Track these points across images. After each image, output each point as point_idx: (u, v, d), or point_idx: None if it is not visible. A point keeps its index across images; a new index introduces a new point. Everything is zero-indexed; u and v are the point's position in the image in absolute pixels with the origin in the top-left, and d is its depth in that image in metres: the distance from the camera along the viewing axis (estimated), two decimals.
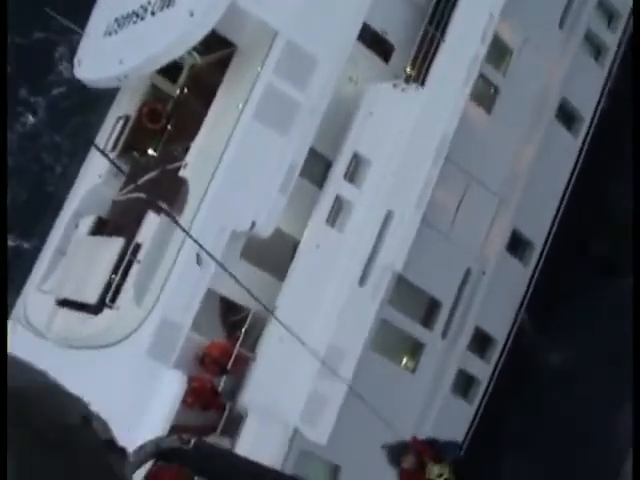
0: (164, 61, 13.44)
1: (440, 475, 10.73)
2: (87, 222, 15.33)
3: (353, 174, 13.24)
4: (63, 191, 16.72)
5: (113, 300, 13.01)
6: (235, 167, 12.63)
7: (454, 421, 14.56)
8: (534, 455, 14.90)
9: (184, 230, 11.85)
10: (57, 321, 14.45)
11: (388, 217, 13.12)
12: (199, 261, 12.18)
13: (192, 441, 2.60)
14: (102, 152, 14.69)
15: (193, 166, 13.20)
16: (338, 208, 13.14)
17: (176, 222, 12.24)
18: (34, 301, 15.30)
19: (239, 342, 12.68)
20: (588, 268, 15.33)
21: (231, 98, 13.44)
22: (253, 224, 12.50)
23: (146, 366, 12.04)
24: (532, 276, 15.11)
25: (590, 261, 15.90)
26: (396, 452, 11.42)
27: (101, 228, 15.19)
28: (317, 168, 13.52)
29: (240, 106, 12.90)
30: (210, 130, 13.44)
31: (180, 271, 12.26)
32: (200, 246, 11.45)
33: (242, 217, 12.55)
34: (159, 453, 2.61)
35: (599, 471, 14.22)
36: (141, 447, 2.65)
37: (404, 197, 13.18)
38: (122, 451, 1.49)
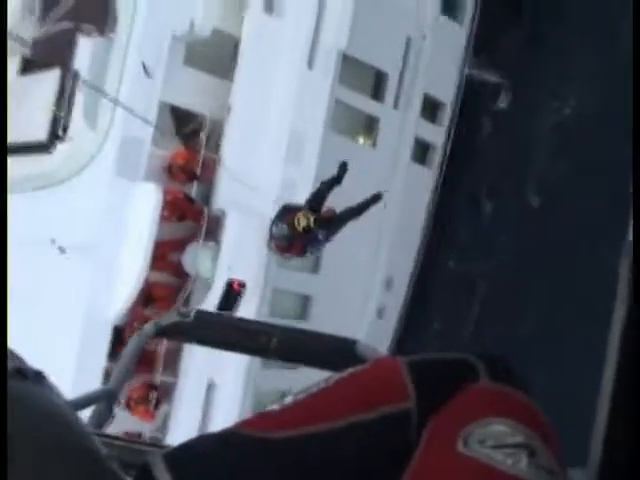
0: None
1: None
2: (12, 65, 14.73)
3: None
4: None
5: (64, 131, 12.76)
6: None
7: (416, 187, 15.00)
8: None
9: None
10: (10, 170, 14.13)
11: None
12: (147, 71, 11.92)
13: (192, 313, 2.57)
14: None
15: None
16: None
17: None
18: None
19: (202, 147, 12.64)
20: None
21: None
22: (192, 24, 12.19)
23: (117, 186, 11.96)
24: (469, 34, 15.18)
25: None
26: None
27: (30, 68, 14.64)
28: None
29: None
30: None
31: (130, 86, 11.99)
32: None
33: (179, 19, 12.21)
34: (160, 330, 2.57)
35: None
36: (141, 329, 2.61)
37: None
38: (37, 376, 1.35)
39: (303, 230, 10.42)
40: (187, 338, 2.72)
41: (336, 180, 11.65)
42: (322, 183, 11.25)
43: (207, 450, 1.49)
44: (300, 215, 10.62)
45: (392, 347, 15.22)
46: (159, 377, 12.50)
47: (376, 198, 12.43)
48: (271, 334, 2.45)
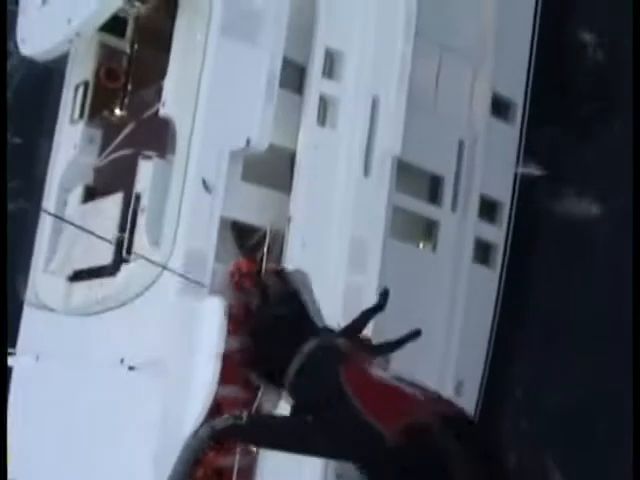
0: (115, 5, 13.28)
1: None
2: (76, 194, 15.20)
3: (330, 70, 13.26)
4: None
5: (129, 252, 12.97)
6: (216, 88, 12.54)
7: (482, 291, 14.86)
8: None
9: None
10: (75, 296, 14.34)
11: (375, 103, 13.20)
12: (207, 187, 12.15)
13: (244, 415, 2.57)
14: None
15: (172, 101, 13.06)
16: (325, 106, 13.16)
17: None
18: (44, 284, 15.16)
19: (265, 258, 12.70)
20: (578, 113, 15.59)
21: (191, 27, 13.30)
22: (248, 140, 12.46)
23: (182, 302, 12.00)
24: (520, 134, 15.30)
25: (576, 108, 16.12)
26: None
27: (92, 196, 15.07)
28: (293, 76, 13.47)
29: (203, 30, 12.81)
30: (179, 63, 13.30)
31: (191, 202, 12.21)
32: None
33: (235, 136, 12.49)
34: (215, 435, 2.56)
35: None
36: (195, 432, 2.59)
37: (385, 80, 13.26)
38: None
39: None
40: (242, 441, 2.59)
41: (379, 307, 11.72)
42: (364, 312, 11.31)
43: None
44: None
45: None
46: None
47: (414, 335, 12.47)
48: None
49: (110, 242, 13.04)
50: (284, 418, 2.13)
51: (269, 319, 2.13)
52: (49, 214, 15.14)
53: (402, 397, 1.97)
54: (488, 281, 14.93)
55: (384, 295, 11.80)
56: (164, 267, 11.95)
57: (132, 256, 12.92)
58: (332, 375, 1.95)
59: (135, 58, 15.85)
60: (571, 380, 14.31)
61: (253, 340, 2.13)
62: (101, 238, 12.63)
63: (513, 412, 15.42)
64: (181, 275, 11.83)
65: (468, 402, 14.55)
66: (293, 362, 2.14)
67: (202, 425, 2.56)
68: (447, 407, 1.87)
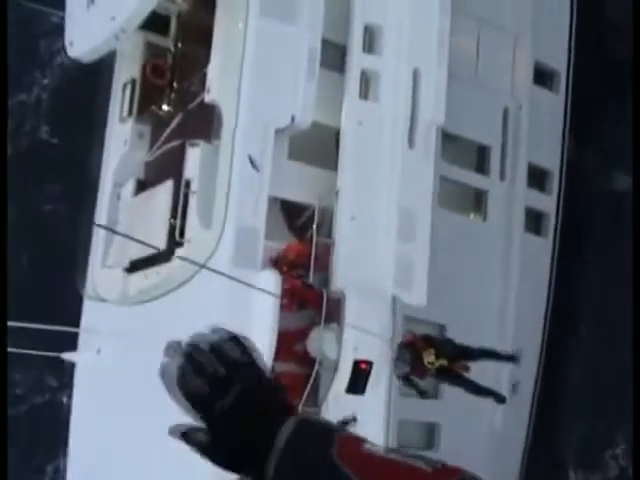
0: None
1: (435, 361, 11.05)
2: (128, 187, 15.53)
3: (370, 45, 13.40)
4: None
5: (182, 236, 13.20)
6: (258, 69, 12.79)
7: (536, 260, 14.76)
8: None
9: None
10: (133, 286, 14.62)
11: (416, 75, 13.28)
12: (254, 165, 12.33)
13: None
14: None
15: (216, 87, 13.31)
16: (367, 81, 13.31)
17: None
18: (103, 279, 15.48)
19: (314, 236, 12.78)
20: (617, 77, 15.39)
21: (231, 15, 13.56)
22: (292, 117, 12.63)
23: (236, 277, 12.13)
24: (566, 102, 15.20)
25: (617, 71, 15.90)
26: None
27: (143, 188, 15.38)
28: (334, 56, 13.63)
29: (243, 16, 13.05)
30: (221, 50, 13.56)
31: (240, 180, 12.41)
32: None
33: (279, 115, 12.70)
34: None
35: None
36: None
37: (425, 52, 13.35)
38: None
39: (426, 363, 10.54)
40: None
41: (506, 358, 11.89)
42: (485, 351, 11.41)
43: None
44: (432, 353, 10.72)
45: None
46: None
47: (510, 359, 12.61)
48: None
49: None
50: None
51: (226, 407, 1.69)
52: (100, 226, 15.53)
53: (411, 472, 1.81)
54: (541, 250, 14.80)
55: (512, 357, 12.01)
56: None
57: (185, 239, 13.16)
58: (324, 459, 1.67)
59: (179, 54, 16.21)
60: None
61: (215, 438, 1.72)
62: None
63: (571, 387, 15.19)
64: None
65: (528, 368, 14.39)
66: (270, 456, 1.76)
67: None
68: (458, 476, 1.76)
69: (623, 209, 14.86)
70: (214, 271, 11.59)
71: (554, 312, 14.75)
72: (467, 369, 11.54)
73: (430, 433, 13.47)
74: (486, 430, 13.74)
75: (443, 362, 11.03)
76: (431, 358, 10.88)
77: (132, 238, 13.22)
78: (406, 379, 11.70)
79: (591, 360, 14.86)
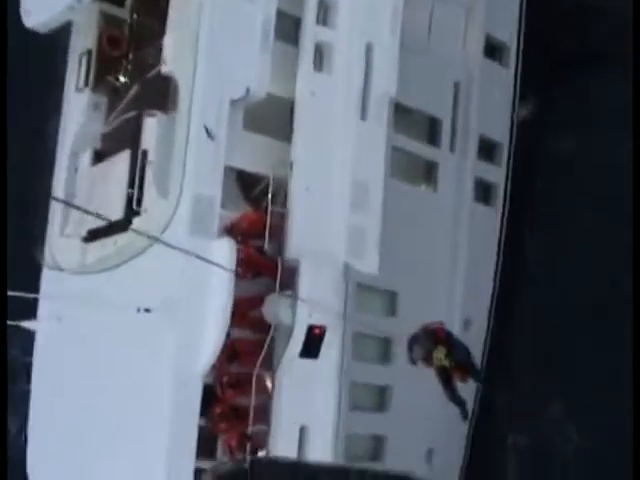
0: None
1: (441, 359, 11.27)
2: (85, 158, 15.62)
3: (324, 18, 13.63)
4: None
5: (139, 205, 13.39)
6: (214, 41, 12.92)
7: (485, 229, 15.22)
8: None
9: None
10: (91, 255, 14.77)
11: (369, 49, 13.57)
12: (210, 134, 12.55)
13: (247, 459, 2.49)
14: None
15: (172, 58, 13.44)
16: (320, 53, 13.56)
17: None
18: (61, 247, 15.60)
19: (269, 206, 13.04)
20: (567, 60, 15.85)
21: None
22: (247, 89, 12.85)
23: (192, 245, 12.33)
24: (515, 75, 15.60)
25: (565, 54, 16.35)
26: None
27: (101, 159, 15.48)
28: (289, 28, 13.82)
29: None
30: (177, 22, 13.67)
31: (196, 150, 12.61)
32: None
33: (235, 86, 12.89)
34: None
35: None
36: None
37: (378, 25, 13.62)
38: None
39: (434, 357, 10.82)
40: None
41: (477, 379, 12.08)
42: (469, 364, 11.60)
43: None
44: (443, 352, 10.96)
45: None
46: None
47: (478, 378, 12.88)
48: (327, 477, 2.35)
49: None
50: (285, 458, 2.03)
51: None
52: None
53: None
54: (490, 219, 15.25)
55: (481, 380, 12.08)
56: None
57: (142, 208, 13.35)
58: None
59: (136, 25, 16.26)
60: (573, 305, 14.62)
61: None
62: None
63: (520, 350, 15.72)
64: None
65: (476, 338, 14.93)
66: None
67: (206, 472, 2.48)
68: None
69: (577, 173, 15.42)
70: (168, 245, 11.72)
71: (502, 279, 15.25)
72: (465, 381, 11.65)
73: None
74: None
75: (447, 363, 11.19)
76: (440, 355, 11.04)
77: (86, 211, 13.30)
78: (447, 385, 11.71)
79: (537, 324, 15.40)
